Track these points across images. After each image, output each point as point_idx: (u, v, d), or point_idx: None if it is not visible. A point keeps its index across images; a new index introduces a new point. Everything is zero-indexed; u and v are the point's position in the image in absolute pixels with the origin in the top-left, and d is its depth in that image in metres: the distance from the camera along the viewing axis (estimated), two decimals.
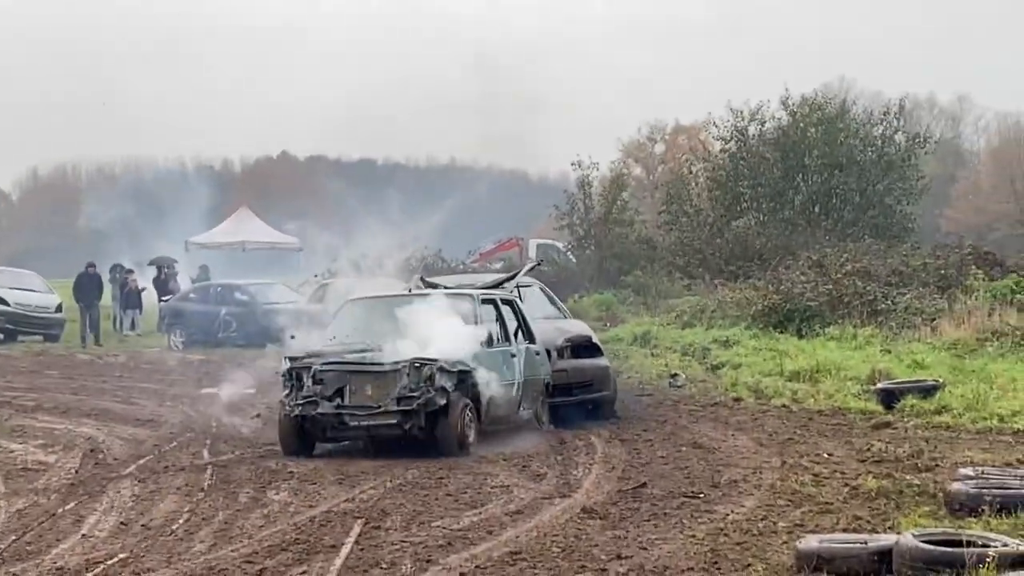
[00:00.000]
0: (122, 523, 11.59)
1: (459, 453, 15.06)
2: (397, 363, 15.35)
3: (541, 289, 21.20)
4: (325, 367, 15.54)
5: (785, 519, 11.32)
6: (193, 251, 47.12)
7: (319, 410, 15.35)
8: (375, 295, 17.80)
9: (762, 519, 11.34)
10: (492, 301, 17.30)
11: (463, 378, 15.46)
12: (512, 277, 19.53)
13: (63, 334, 38.05)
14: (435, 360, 15.25)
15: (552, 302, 21.00)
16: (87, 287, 37.09)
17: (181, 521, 11.63)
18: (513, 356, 16.73)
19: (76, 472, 14.46)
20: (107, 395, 23.18)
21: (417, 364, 15.26)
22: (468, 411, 15.43)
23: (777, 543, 10.33)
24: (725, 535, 10.68)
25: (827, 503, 11.95)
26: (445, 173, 58.06)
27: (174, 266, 41.64)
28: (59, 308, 38.51)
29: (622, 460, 14.97)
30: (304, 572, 9.57)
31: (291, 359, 15.91)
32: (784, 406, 19.68)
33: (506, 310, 17.36)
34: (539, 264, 19.68)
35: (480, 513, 11.79)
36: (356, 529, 11.02)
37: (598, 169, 40.04)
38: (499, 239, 47.85)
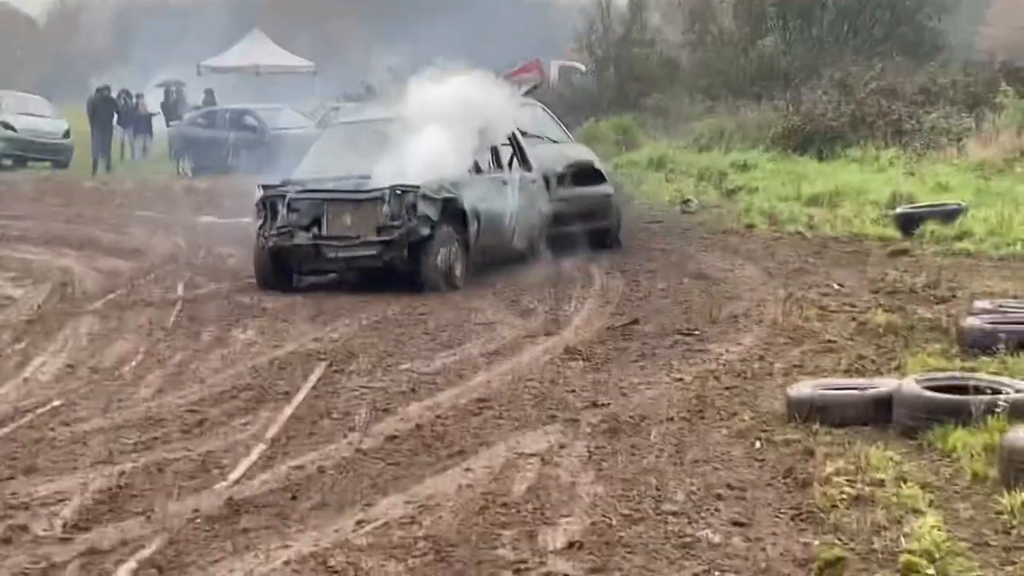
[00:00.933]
0: (68, 365, 10.74)
1: (444, 288, 14.06)
2: (377, 190, 14.19)
3: (543, 111, 19.56)
4: (300, 195, 14.41)
5: (783, 359, 10.39)
6: (206, 74, 45.84)
7: (294, 241, 14.27)
8: (359, 118, 16.71)
9: (758, 359, 10.42)
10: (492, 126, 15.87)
11: (449, 207, 14.31)
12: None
13: (72, 160, 37.16)
14: (417, 187, 14.06)
15: (555, 123, 19.39)
16: (100, 110, 36.10)
17: (133, 364, 10.77)
18: (505, 184, 15.54)
19: (38, 308, 13.60)
20: (101, 224, 22.28)
21: (398, 191, 14.06)
22: (455, 242, 14.34)
23: (771, 387, 9.42)
24: (715, 378, 9.76)
25: (830, 341, 10.99)
26: None
27: (183, 89, 40.52)
28: (67, 134, 37.60)
29: (618, 293, 14.03)
30: (247, 423, 8.70)
31: (264, 187, 14.76)
32: (798, 232, 18.62)
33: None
34: (536, 86, 18.30)
35: (455, 354, 10.90)
36: (317, 373, 10.16)
37: None
38: (521, 62, 46.27)
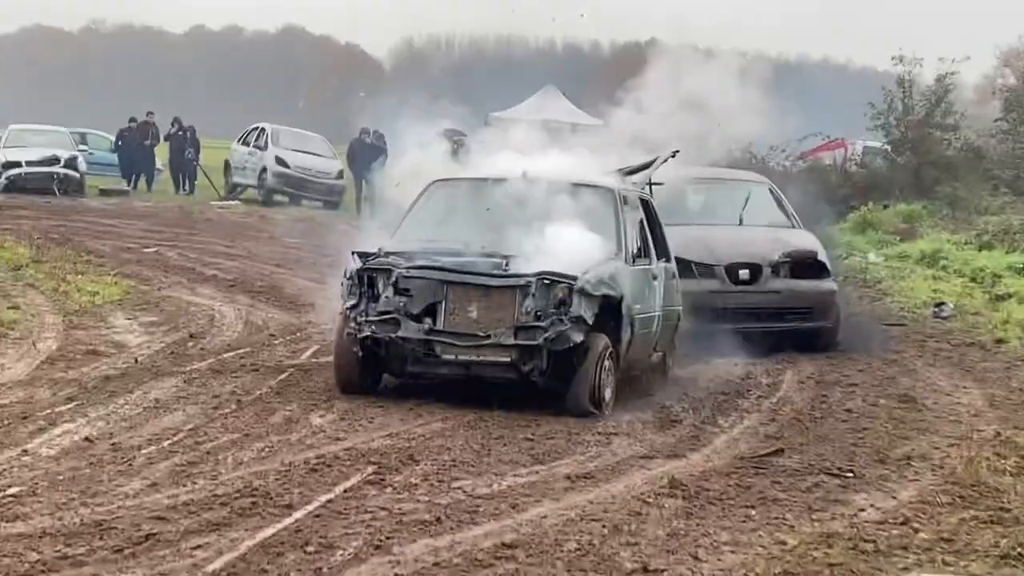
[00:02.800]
0: (88, 438, 9.20)
1: (591, 413, 10.84)
2: (519, 276, 10.88)
3: (770, 190, 17.77)
4: (413, 271, 11.00)
5: (931, 527, 8.12)
6: (493, 124, 44.82)
7: (401, 332, 10.83)
8: (470, 176, 12.72)
9: (900, 523, 8.18)
10: (637, 200, 12.86)
11: (606, 307, 11.11)
12: (647, 166, 14.16)
13: (342, 202, 36.42)
14: (573, 278, 10.81)
15: (780, 206, 17.37)
16: (360, 155, 35.29)
17: (164, 444, 9.16)
18: (655, 278, 12.54)
19: (135, 362, 12.20)
20: (313, 268, 20.93)
21: (547, 280, 10.82)
22: (608, 354, 11.02)
23: (895, 569, 7.23)
24: (827, 546, 7.58)
25: (1005, 508, 8.64)
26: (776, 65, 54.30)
27: (463, 140, 39.41)
28: (340, 175, 36.96)
29: (793, 410, 11.86)
30: (200, 547, 6.91)
31: (362, 255, 11.30)
32: None
33: (640, 213, 12.89)
34: (674, 153, 15.72)
35: (536, 472, 8.97)
36: (350, 481, 8.36)
37: (921, 66, 35.63)
38: (823, 137, 43.46)
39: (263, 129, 37.85)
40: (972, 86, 40.14)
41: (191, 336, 13.82)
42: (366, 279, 11.08)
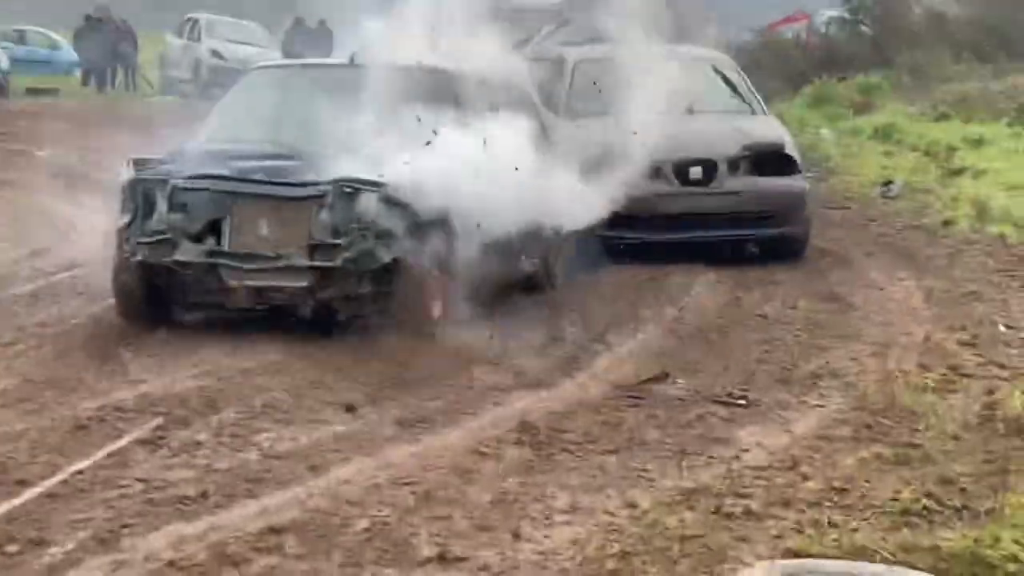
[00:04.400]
0: None
1: (424, 329, 9.07)
2: (313, 184, 9.09)
3: (725, 68, 14.92)
4: (192, 183, 9.18)
5: (825, 472, 6.61)
6: None
7: (176, 256, 9.09)
8: (292, 62, 11.53)
9: (788, 468, 6.69)
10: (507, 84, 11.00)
11: (427, 218, 9.18)
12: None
13: None
14: (380, 183, 9.01)
15: (737, 88, 14.51)
16: (297, 44, 33.41)
17: None
18: (517, 169, 9.85)
19: None
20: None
21: (347, 188, 9.03)
22: (435, 273, 9.23)
23: (760, 539, 5.73)
24: (689, 507, 6.07)
25: (914, 444, 7.12)
26: None
27: None
28: None
29: (699, 319, 10.32)
30: None
31: (137, 164, 9.35)
32: (1002, 236, 14.41)
33: (509, 94, 10.94)
34: (564, 23, 13.67)
35: (360, 418, 7.45)
36: (122, 441, 6.82)
37: None
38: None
39: (197, 20, 35.92)
40: None
41: (32, 253, 12.18)
42: (142, 192, 9.21)
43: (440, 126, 9.50)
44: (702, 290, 11.52)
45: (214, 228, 9.12)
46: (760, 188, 12.98)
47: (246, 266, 9.00)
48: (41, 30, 46.21)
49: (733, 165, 12.97)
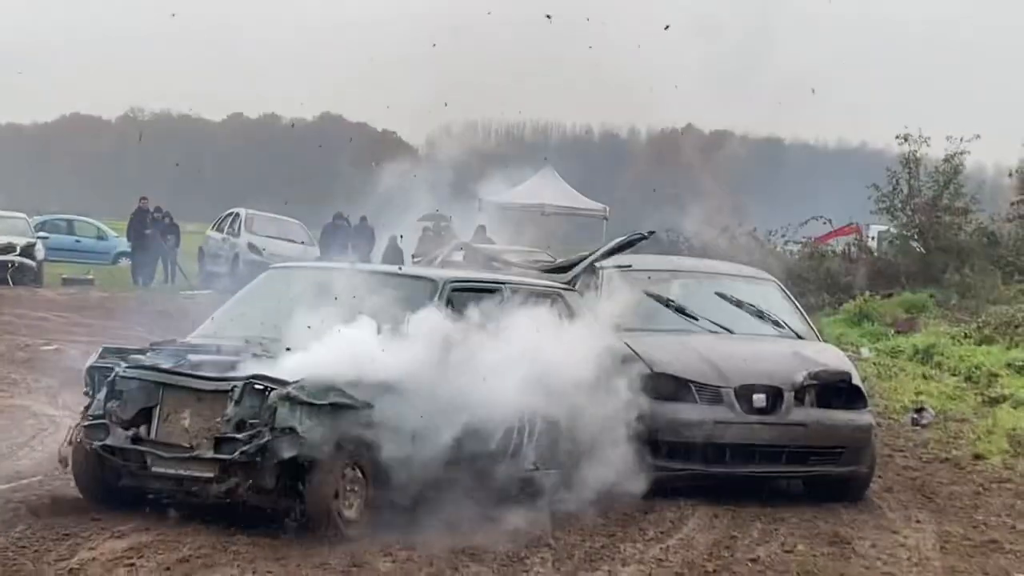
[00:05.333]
0: None
1: (328, 532, 8.97)
2: (227, 379, 9.13)
3: (771, 289, 13.81)
4: (129, 371, 9.41)
5: None
6: (488, 209, 42.43)
7: (108, 440, 9.24)
8: (306, 264, 12.17)
9: None
10: (490, 290, 10.79)
11: (343, 415, 9.12)
12: (582, 261, 12.45)
13: None
14: (285, 381, 8.97)
15: (791, 311, 13.58)
16: (333, 239, 33.17)
17: None
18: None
19: None
20: None
21: (256, 384, 9.03)
22: (349, 471, 9.15)
23: None
24: None
25: None
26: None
27: (450, 226, 37.07)
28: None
29: (682, 564, 9.32)
30: None
31: (104, 352, 9.84)
32: None
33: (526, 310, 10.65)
34: (647, 235, 12.95)
35: None
36: None
37: (928, 145, 33.00)
38: (823, 221, 40.57)
39: (237, 214, 35.72)
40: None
41: None
42: (96, 378, 9.65)
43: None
44: (696, 526, 10.55)
45: (148, 417, 9.25)
46: (829, 421, 11.83)
47: (165, 455, 9.12)
48: (90, 220, 46.33)
49: (799, 394, 11.79)
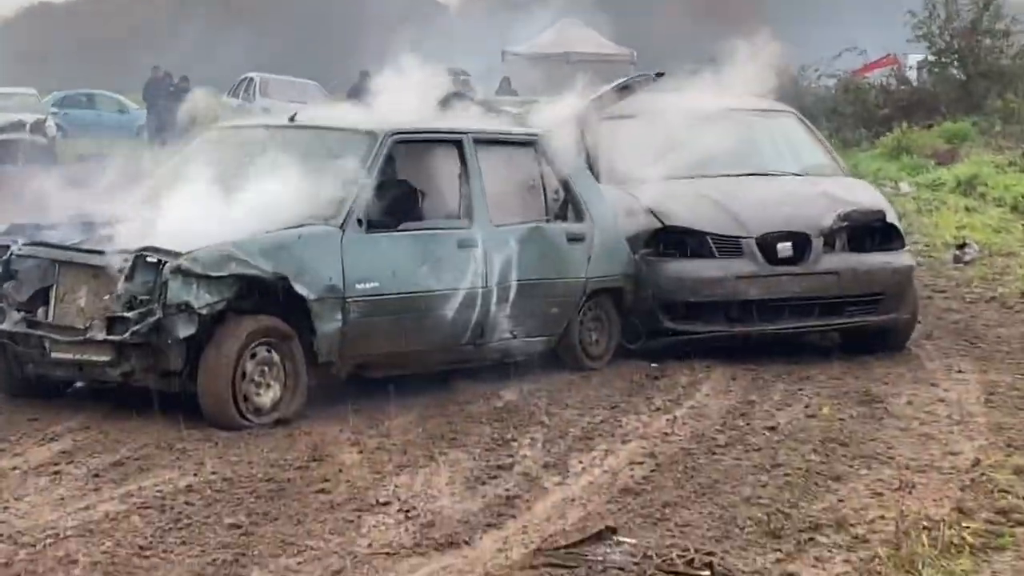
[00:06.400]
0: None
1: (225, 422, 7.95)
2: (121, 252, 8.11)
3: (792, 123, 12.38)
4: (25, 249, 8.48)
5: None
6: (512, 62, 41.01)
7: (3, 325, 8.32)
8: (243, 123, 11.17)
9: None
10: (441, 141, 9.54)
11: (254, 288, 8.14)
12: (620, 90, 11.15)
13: None
14: (176, 252, 7.93)
15: (815, 145, 12.28)
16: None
17: None
18: (468, 246, 9.15)
19: None
20: None
21: (148, 258, 8.01)
22: (256, 348, 8.06)
23: None
24: None
25: None
26: None
27: (468, 80, 35.75)
28: None
29: (690, 435, 8.22)
30: None
31: (14, 228, 8.89)
32: None
33: (492, 161, 9.56)
34: (654, 76, 11.61)
35: None
36: None
37: None
38: (859, 52, 38.73)
39: (252, 79, 34.47)
40: None
41: None
42: None
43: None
44: (710, 391, 9.42)
45: (44, 298, 8.35)
46: (864, 266, 10.62)
47: (61, 338, 8.15)
48: (109, 94, 45.16)
49: (828, 239, 10.56)
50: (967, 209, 19.42)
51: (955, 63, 31.99)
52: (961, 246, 15.94)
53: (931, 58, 32.75)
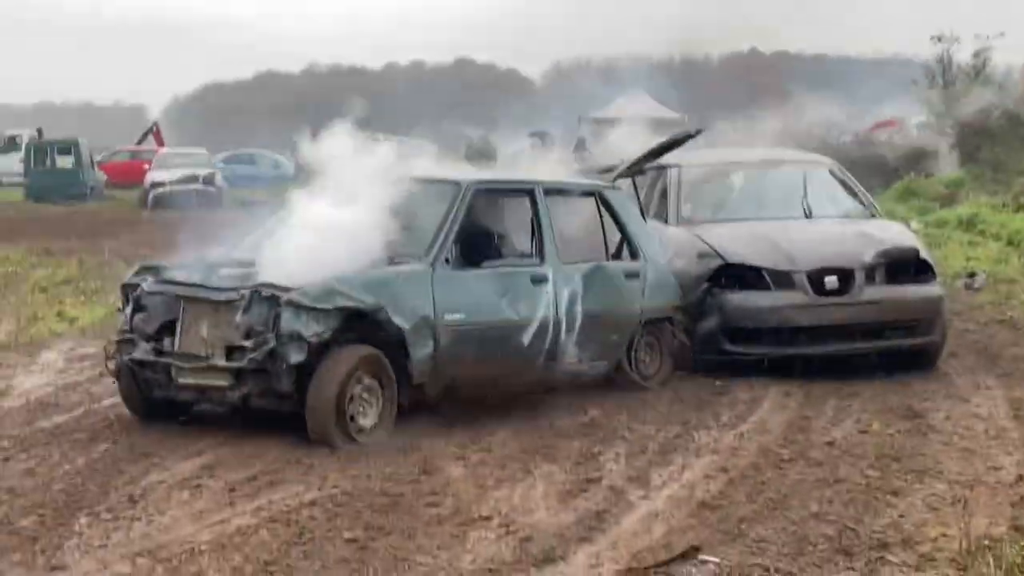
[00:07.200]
0: None
1: (329, 440, 7.09)
2: (234, 289, 7.43)
3: (832, 172, 11.35)
4: (153, 286, 7.74)
5: None
6: (587, 125, 40.18)
7: (135, 354, 7.60)
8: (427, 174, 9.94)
9: None
10: (516, 190, 8.70)
11: (355, 319, 7.33)
12: (661, 150, 10.18)
13: None
14: (286, 289, 7.22)
15: (849, 191, 11.16)
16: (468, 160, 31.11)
17: None
18: (541, 282, 8.25)
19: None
20: None
21: (263, 292, 7.31)
22: (360, 373, 7.23)
23: None
24: None
25: None
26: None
27: (552, 138, 34.85)
28: None
29: (757, 451, 7.27)
30: None
31: (141, 269, 8.12)
32: None
33: (549, 207, 8.63)
34: (694, 133, 10.74)
35: None
36: None
37: (959, 42, 30.11)
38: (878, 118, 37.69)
39: (377, 138, 33.74)
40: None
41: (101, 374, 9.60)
42: (127, 294, 7.96)
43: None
44: (769, 407, 8.46)
45: (171, 330, 7.64)
46: (900, 297, 9.70)
47: (186, 365, 7.48)
48: (267, 153, 44.80)
49: (869, 273, 9.66)
50: (970, 243, 18.29)
51: (951, 126, 30.79)
52: (971, 275, 14.83)
53: (931, 119, 31.56)
